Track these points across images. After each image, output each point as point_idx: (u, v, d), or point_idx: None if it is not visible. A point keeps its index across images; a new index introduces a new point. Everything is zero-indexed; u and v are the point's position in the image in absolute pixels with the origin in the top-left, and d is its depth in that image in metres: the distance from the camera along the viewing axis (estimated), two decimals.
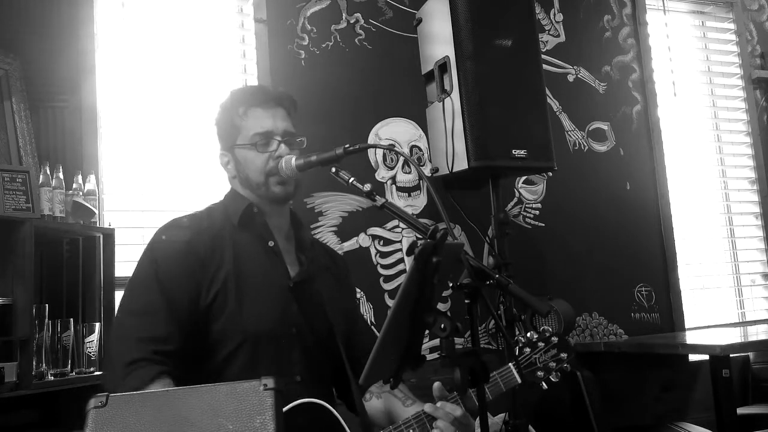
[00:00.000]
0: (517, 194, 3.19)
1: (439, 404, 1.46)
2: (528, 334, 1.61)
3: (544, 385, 1.57)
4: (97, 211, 2.26)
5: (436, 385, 1.49)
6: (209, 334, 1.47)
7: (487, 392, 1.50)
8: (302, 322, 1.55)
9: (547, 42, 3.34)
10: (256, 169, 1.58)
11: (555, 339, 1.59)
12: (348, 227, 2.83)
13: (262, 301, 1.51)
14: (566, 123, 3.34)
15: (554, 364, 1.57)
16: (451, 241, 1.13)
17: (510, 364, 1.54)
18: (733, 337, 2.99)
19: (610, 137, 3.44)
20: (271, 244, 1.59)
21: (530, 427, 2.25)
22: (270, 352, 1.49)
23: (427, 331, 1.16)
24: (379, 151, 2.92)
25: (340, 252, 2.79)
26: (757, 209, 3.80)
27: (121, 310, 1.50)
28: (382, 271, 2.86)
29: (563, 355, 1.58)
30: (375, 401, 1.66)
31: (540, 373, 1.57)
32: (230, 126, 1.62)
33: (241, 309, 1.48)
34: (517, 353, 1.58)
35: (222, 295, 1.48)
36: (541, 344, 1.58)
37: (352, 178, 1.42)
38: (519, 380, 1.55)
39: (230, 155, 1.63)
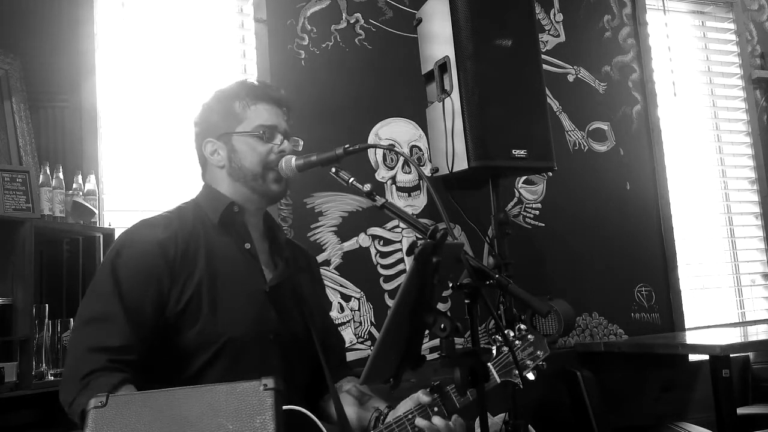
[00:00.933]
0: (517, 194, 3.19)
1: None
2: (506, 332, 1.58)
3: (521, 385, 1.54)
4: (97, 211, 2.26)
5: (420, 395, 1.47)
6: (183, 341, 1.40)
7: (469, 393, 1.48)
8: (279, 328, 1.50)
9: (547, 42, 3.34)
10: (256, 159, 1.53)
11: (531, 337, 1.57)
12: (348, 227, 2.82)
13: (238, 306, 1.45)
14: (566, 123, 3.34)
15: (530, 362, 1.55)
16: (451, 241, 1.13)
17: (489, 364, 1.53)
18: (733, 337, 2.99)
19: (610, 137, 3.44)
20: (247, 246, 1.53)
21: (530, 427, 2.25)
22: (247, 360, 1.43)
23: (427, 331, 1.16)
24: (379, 151, 2.91)
25: (339, 252, 2.79)
26: (757, 209, 3.80)
27: (77, 319, 1.41)
28: (382, 271, 2.86)
29: (539, 353, 1.55)
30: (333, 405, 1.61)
31: (516, 372, 1.54)
32: (229, 114, 1.57)
33: (216, 315, 1.42)
34: (495, 353, 1.56)
35: (196, 300, 1.41)
36: (517, 342, 1.56)
37: (352, 178, 1.41)
38: (498, 380, 1.53)
39: (221, 143, 1.57)
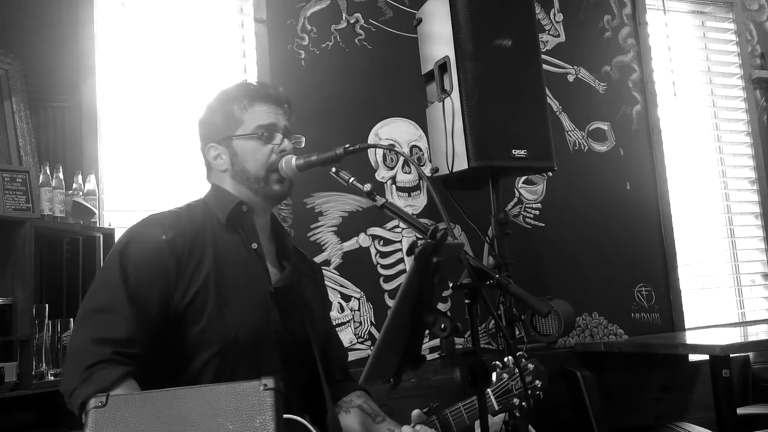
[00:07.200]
0: (517, 194, 3.19)
1: (418, 427, 1.46)
2: (506, 359, 1.65)
3: (518, 413, 1.59)
4: (97, 211, 2.26)
5: (415, 412, 1.51)
6: (187, 337, 1.40)
7: (466, 418, 1.52)
8: (283, 330, 1.50)
9: (547, 42, 3.34)
10: (257, 162, 1.53)
11: (531, 366, 1.63)
12: (348, 227, 2.82)
13: (243, 305, 1.45)
14: (566, 123, 3.34)
15: (528, 392, 1.61)
16: (451, 241, 1.13)
17: (489, 390, 1.57)
18: (733, 337, 2.98)
19: (610, 137, 3.44)
20: (254, 246, 1.53)
21: (530, 427, 2.25)
22: (249, 359, 1.43)
23: (427, 331, 1.16)
24: (379, 151, 2.92)
25: (339, 252, 2.79)
26: (757, 209, 3.80)
27: (82, 309, 1.39)
28: (382, 271, 2.86)
29: (537, 383, 1.61)
30: (344, 416, 1.60)
31: (515, 400, 1.59)
32: (228, 117, 1.57)
33: (221, 312, 1.41)
34: (494, 379, 1.61)
35: (202, 296, 1.41)
36: (516, 371, 1.61)
37: (352, 178, 1.41)
38: (496, 407, 1.58)
39: (223, 147, 1.57)
